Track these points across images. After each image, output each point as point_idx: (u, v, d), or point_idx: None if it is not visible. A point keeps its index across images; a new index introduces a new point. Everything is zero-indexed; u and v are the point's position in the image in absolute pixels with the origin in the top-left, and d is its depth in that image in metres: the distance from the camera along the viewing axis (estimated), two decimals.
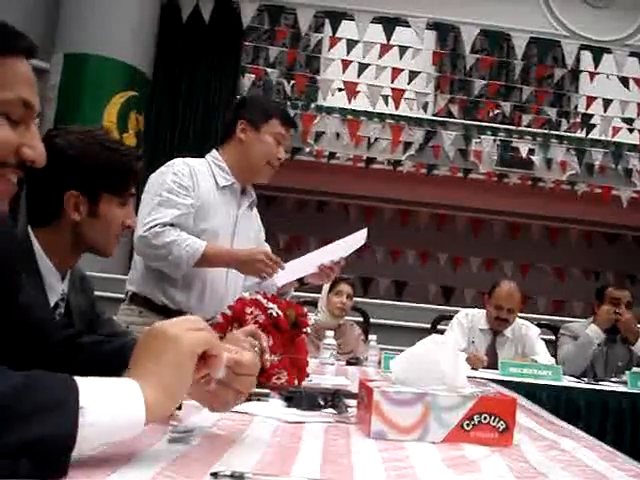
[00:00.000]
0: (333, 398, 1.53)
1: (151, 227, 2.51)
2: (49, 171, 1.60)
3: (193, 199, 2.65)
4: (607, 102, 9.46)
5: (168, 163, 2.73)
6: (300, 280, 2.86)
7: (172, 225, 2.55)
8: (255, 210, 3.00)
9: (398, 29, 9.04)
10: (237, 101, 3.16)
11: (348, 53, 9.16)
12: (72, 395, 0.80)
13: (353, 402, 1.45)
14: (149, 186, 2.66)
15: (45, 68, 7.23)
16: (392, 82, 9.33)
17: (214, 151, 2.85)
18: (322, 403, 1.51)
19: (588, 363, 4.52)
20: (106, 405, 0.83)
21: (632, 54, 9.23)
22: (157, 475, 0.83)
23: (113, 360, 1.23)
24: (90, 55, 7.31)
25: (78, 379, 0.83)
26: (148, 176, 2.74)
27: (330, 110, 9.85)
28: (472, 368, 3.98)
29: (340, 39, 9.18)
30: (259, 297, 1.93)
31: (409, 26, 9.03)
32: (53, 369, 0.88)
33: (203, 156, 2.87)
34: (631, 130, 9.78)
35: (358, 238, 2.84)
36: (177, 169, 2.67)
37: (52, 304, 1.72)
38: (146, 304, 2.68)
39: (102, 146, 1.74)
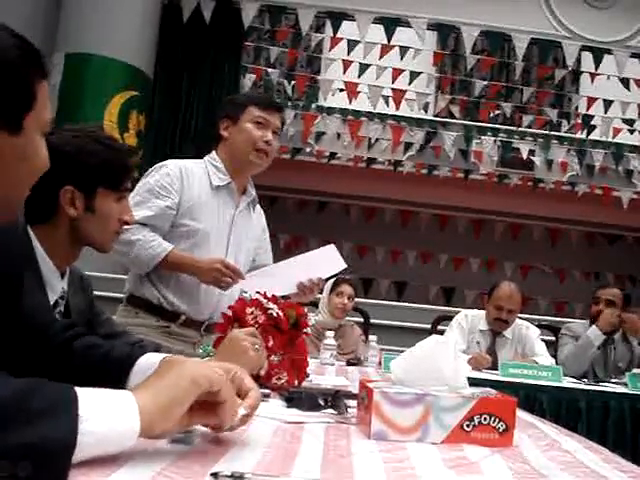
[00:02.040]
0: (333, 398, 1.53)
1: None
2: None
3: (174, 200, 2.65)
4: (608, 103, 9.47)
5: (160, 163, 2.74)
6: (284, 297, 2.86)
7: (143, 225, 2.56)
8: (259, 210, 2.99)
9: (399, 29, 9.05)
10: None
11: (349, 53, 9.17)
12: (72, 402, 0.81)
13: (353, 402, 1.45)
14: (137, 185, 2.68)
15: None
16: (393, 82, 9.34)
17: (212, 152, 2.86)
18: (322, 403, 1.51)
19: (588, 365, 4.51)
20: (102, 414, 0.84)
21: (633, 55, 9.25)
22: (157, 475, 0.83)
23: (102, 366, 1.24)
24: (91, 55, 7.32)
25: (76, 388, 0.84)
26: None
27: (331, 110, 9.86)
28: (475, 368, 3.98)
29: (341, 39, 9.20)
30: (259, 297, 1.93)
31: (410, 26, 9.04)
32: (52, 372, 0.89)
33: (203, 156, 2.87)
34: (632, 131, 9.79)
35: (331, 256, 2.81)
36: (165, 170, 2.69)
37: (52, 302, 1.72)
38: (143, 305, 2.68)
39: (96, 142, 1.75)
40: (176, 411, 0.93)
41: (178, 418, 0.94)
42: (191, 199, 2.68)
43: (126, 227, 2.47)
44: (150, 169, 2.72)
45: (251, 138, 2.73)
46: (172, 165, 2.72)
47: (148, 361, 1.25)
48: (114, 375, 0.97)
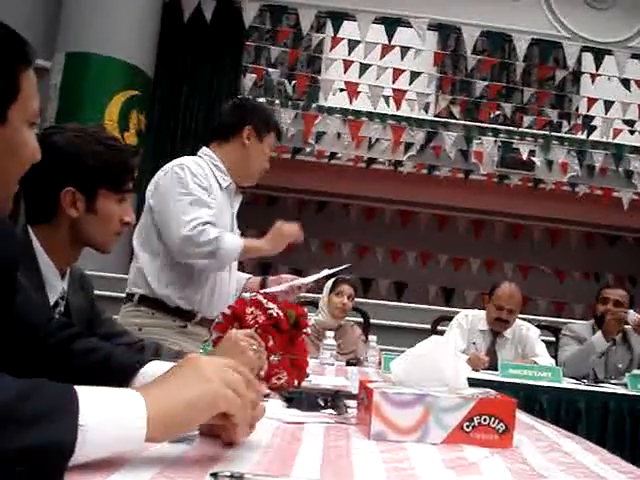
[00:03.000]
0: (333, 399, 1.53)
1: (194, 226, 2.56)
2: (46, 168, 1.61)
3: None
4: (608, 104, 9.47)
5: (180, 162, 2.71)
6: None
7: (210, 223, 2.60)
8: None
9: (400, 29, 9.05)
10: (239, 102, 3.15)
11: (350, 53, 9.17)
12: (72, 405, 0.79)
13: (353, 403, 1.45)
14: (167, 186, 2.66)
15: (46, 67, 7.24)
16: (393, 83, 9.34)
17: (207, 150, 2.85)
18: (322, 404, 1.51)
19: (590, 369, 4.50)
20: (106, 419, 0.81)
21: (633, 56, 9.24)
22: (157, 475, 0.83)
23: (103, 370, 1.23)
24: (92, 54, 7.31)
25: (78, 388, 0.82)
26: (149, 174, 2.75)
27: (331, 110, 9.85)
28: (473, 369, 3.98)
29: (342, 39, 9.20)
30: (259, 297, 1.93)
31: (411, 27, 9.04)
32: (50, 371, 0.87)
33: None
34: (632, 132, 9.79)
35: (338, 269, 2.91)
36: (193, 170, 2.68)
37: (52, 302, 1.71)
38: (158, 306, 2.68)
39: (98, 143, 1.74)
40: (184, 429, 0.92)
41: (184, 432, 0.93)
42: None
43: (201, 228, 2.54)
44: (170, 170, 2.70)
45: (264, 164, 2.88)
46: (194, 164, 2.72)
47: (153, 371, 1.20)
48: (115, 381, 0.95)
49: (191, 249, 2.58)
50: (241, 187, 2.94)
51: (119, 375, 1.17)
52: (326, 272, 2.86)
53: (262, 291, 2.56)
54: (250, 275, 3.06)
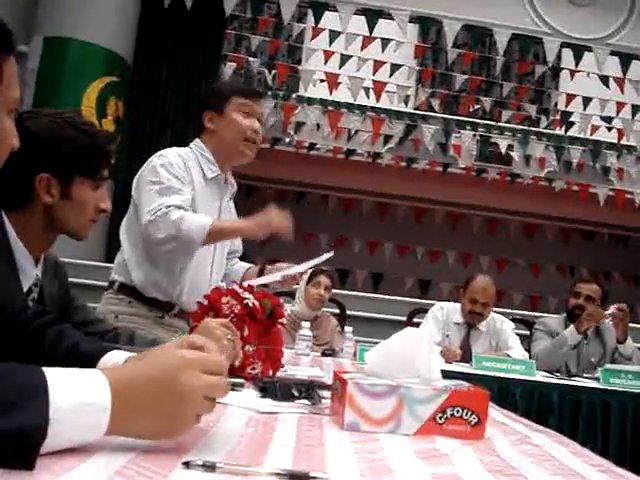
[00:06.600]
0: (307, 389, 1.53)
1: (157, 211, 2.47)
2: (20, 154, 1.59)
3: (190, 191, 2.63)
4: (587, 100, 9.54)
5: (161, 154, 2.68)
6: (265, 285, 2.87)
7: (175, 207, 2.51)
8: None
9: (381, 21, 9.04)
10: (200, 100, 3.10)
11: (330, 44, 9.15)
12: (41, 388, 0.79)
13: (327, 393, 1.45)
14: (142, 177, 2.63)
15: (24, 51, 7.16)
16: (374, 74, 9.34)
17: (198, 140, 2.81)
18: (296, 394, 1.51)
19: (562, 362, 4.54)
20: (73, 407, 0.80)
21: (613, 53, 9.31)
22: (128, 464, 0.82)
23: (69, 357, 1.23)
24: (70, 39, 7.25)
25: (47, 372, 0.81)
26: (126, 161, 2.72)
27: (311, 101, 9.84)
28: (446, 361, 4.01)
29: (323, 30, 9.18)
30: (235, 287, 1.92)
31: (392, 19, 9.04)
32: (25, 359, 0.87)
33: (183, 143, 2.84)
34: (610, 128, 9.87)
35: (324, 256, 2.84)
36: (171, 160, 2.63)
37: (25, 289, 1.70)
38: (135, 294, 2.67)
39: (74, 128, 1.72)
40: (147, 435, 0.91)
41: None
42: (191, 191, 2.67)
43: (164, 210, 2.47)
44: (150, 162, 2.66)
45: (240, 128, 2.71)
46: (175, 155, 2.67)
47: (112, 360, 1.24)
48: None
49: (153, 235, 2.51)
50: (234, 174, 2.90)
51: (82, 363, 1.17)
52: (322, 258, 2.80)
53: (255, 281, 2.56)
54: (251, 265, 3.02)
